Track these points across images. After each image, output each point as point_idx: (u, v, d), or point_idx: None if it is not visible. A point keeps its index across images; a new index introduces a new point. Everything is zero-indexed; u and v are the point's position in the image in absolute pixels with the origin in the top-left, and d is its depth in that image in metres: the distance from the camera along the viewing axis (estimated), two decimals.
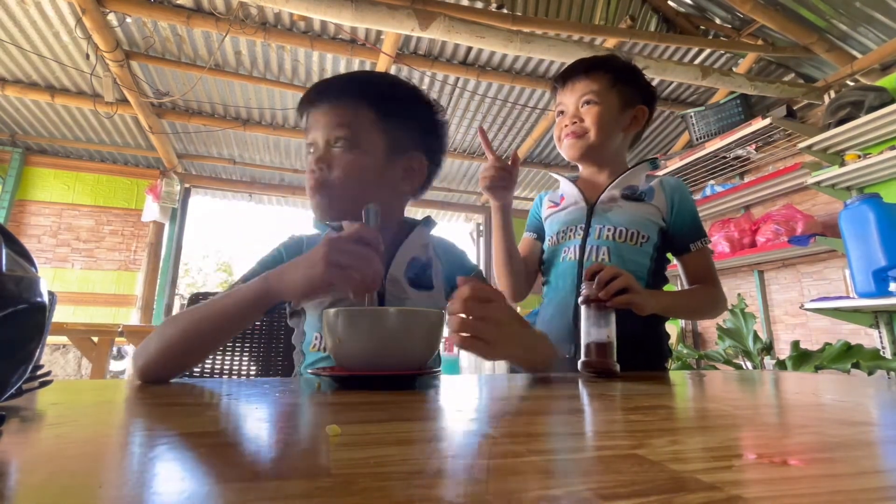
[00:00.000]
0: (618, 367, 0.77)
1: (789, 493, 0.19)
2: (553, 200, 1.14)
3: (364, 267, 0.55)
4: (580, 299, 0.78)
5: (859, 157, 2.47)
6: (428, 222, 0.87)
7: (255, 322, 0.64)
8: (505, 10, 2.67)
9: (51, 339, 3.34)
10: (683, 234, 1.01)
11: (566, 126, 1.03)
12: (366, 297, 0.60)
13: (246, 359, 0.99)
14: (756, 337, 2.48)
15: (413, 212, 4.51)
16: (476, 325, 0.53)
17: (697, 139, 3.35)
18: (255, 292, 0.60)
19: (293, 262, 0.59)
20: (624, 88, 1.02)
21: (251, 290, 0.60)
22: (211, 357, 0.96)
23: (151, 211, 3.80)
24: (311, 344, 0.78)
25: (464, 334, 0.54)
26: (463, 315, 0.54)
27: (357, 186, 0.75)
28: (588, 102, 1.00)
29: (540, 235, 1.15)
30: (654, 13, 3.19)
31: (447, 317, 0.56)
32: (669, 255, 1.07)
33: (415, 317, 0.57)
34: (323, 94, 0.77)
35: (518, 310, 0.90)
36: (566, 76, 1.05)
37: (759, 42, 3.04)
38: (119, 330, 2.38)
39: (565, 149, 1.05)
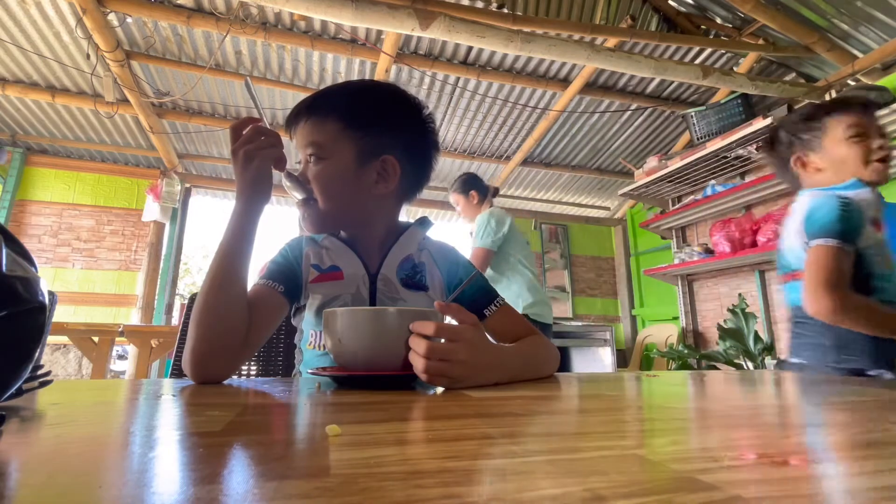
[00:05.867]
0: None
1: (789, 493, 0.19)
2: None
3: (260, 135, 0.68)
4: None
5: None
6: (423, 223, 0.86)
7: (252, 243, 0.69)
8: (505, 10, 2.67)
9: (51, 339, 3.34)
10: None
11: (878, 150, 1.12)
12: (284, 168, 0.72)
13: None
14: (757, 337, 2.48)
15: (413, 212, 4.52)
16: (439, 367, 0.53)
17: (698, 139, 3.35)
18: (237, 212, 0.67)
19: (235, 175, 0.68)
20: None
21: (234, 211, 0.67)
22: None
23: (152, 211, 3.80)
24: (308, 342, 0.79)
25: (426, 374, 0.53)
26: (425, 352, 0.53)
27: (328, 196, 0.77)
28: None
29: None
30: (655, 13, 3.19)
31: (411, 352, 0.55)
32: None
33: (415, 317, 0.57)
34: (297, 115, 0.80)
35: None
36: (866, 109, 1.16)
37: (760, 41, 3.03)
38: (119, 330, 2.39)
39: (874, 173, 1.12)
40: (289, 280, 0.77)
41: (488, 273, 2.37)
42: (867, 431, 0.34)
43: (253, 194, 0.67)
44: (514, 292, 2.39)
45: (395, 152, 0.79)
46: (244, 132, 0.68)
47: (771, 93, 2.96)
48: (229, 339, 0.63)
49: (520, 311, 2.40)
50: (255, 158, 0.66)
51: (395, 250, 0.81)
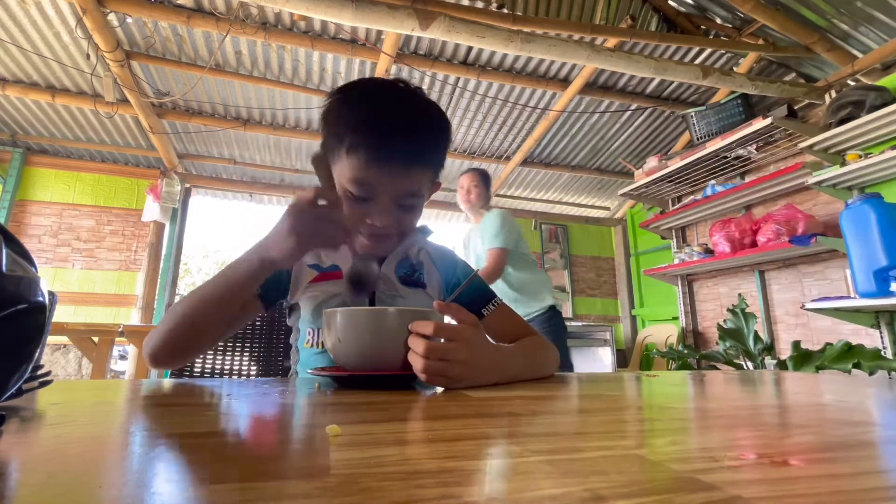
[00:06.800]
0: None
1: (789, 493, 0.19)
2: None
3: (326, 227, 0.59)
4: None
5: (860, 156, 2.46)
6: (424, 231, 0.87)
7: (251, 293, 0.70)
8: (505, 10, 2.67)
9: (51, 339, 3.34)
10: None
11: None
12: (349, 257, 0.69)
13: (246, 359, 0.99)
14: (757, 337, 2.48)
15: None
16: (438, 367, 0.52)
17: (698, 139, 3.35)
18: (249, 263, 0.63)
19: (272, 232, 0.60)
20: None
21: (245, 262, 0.63)
22: (211, 356, 0.97)
23: (152, 211, 3.80)
24: (304, 340, 0.79)
25: (425, 374, 0.53)
26: (424, 352, 0.52)
27: (410, 228, 0.79)
28: None
29: None
30: (655, 13, 3.19)
31: (410, 352, 0.55)
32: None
33: (415, 316, 0.57)
34: (402, 159, 0.70)
35: None
36: None
37: (760, 42, 3.03)
38: (119, 330, 2.38)
39: None
40: (268, 282, 0.72)
41: (516, 275, 2.32)
42: (868, 431, 0.34)
43: (277, 263, 0.61)
44: (537, 289, 2.33)
45: (437, 175, 0.82)
46: (312, 202, 0.58)
47: (771, 93, 2.96)
48: (199, 347, 0.70)
49: (549, 303, 2.33)
50: (306, 246, 0.59)
51: (395, 250, 0.82)
